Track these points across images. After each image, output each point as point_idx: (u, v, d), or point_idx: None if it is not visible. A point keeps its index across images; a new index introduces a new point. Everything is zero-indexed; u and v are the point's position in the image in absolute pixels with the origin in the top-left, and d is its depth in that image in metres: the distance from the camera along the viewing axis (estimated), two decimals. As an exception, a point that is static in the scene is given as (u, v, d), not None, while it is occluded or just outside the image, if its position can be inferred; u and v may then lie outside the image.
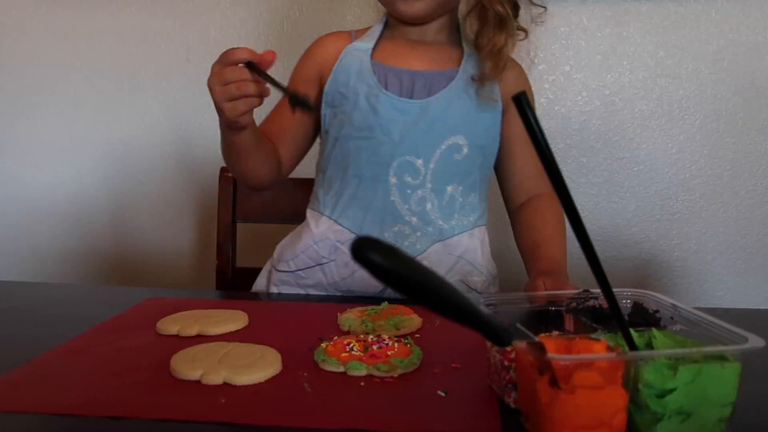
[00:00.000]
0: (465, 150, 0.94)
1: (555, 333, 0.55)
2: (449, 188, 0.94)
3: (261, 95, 0.78)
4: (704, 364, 0.47)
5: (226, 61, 0.77)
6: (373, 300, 0.83)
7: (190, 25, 1.45)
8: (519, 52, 1.13)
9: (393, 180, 0.93)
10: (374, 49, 0.97)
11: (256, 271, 1.07)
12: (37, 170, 1.55)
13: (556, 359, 0.46)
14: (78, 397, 0.56)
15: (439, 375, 0.61)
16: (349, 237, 0.94)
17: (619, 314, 0.49)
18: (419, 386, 0.58)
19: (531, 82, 1.40)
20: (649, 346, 0.52)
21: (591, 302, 0.60)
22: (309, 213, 1.00)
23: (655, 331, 0.53)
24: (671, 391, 0.46)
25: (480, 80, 0.94)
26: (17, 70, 1.53)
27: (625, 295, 0.62)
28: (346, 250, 0.94)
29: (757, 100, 1.32)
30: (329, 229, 0.96)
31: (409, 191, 0.93)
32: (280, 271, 0.98)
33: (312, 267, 0.96)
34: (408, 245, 0.93)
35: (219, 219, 1.18)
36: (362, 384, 0.58)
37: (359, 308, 0.79)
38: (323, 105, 0.98)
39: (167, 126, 1.50)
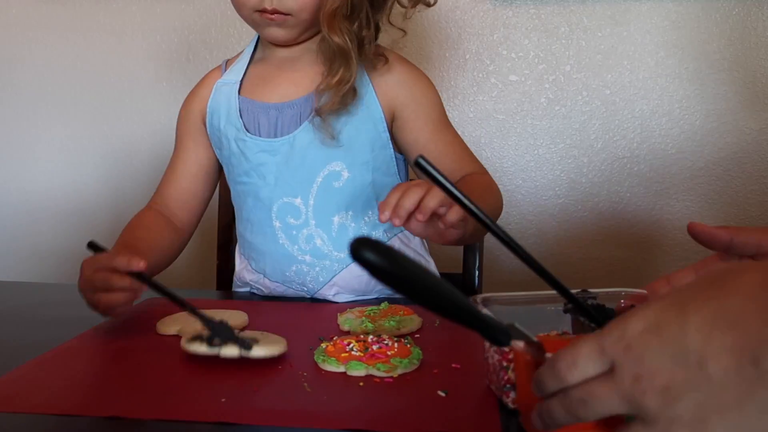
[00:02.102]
0: (345, 174, 0.88)
1: (554, 333, 0.55)
2: (335, 219, 0.89)
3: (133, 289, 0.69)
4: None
5: (96, 266, 0.70)
6: (373, 300, 0.82)
7: (190, 25, 1.45)
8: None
9: (277, 224, 0.90)
10: (243, 79, 0.93)
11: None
12: (37, 170, 1.55)
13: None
14: (78, 397, 0.56)
15: (439, 375, 0.61)
16: (260, 278, 0.94)
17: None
18: (419, 386, 0.58)
19: (531, 81, 1.40)
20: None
21: (589, 302, 0.60)
22: (237, 249, 1.00)
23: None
24: (670, 391, 0.46)
25: (318, 113, 0.85)
26: (17, 69, 1.53)
27: (625, 295, 0.62)
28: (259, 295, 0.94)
29: (757, 100, 1.31)
30: (244, 269, 0.96)
31: (294, 232, 0.89)
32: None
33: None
34: (311, 279, 0.90)
35: (219, 219, 1.18)
36: (362, 384, 0.59)
37: (359, 308, 0.79)
38: (212, 146, 0.96)
39: (167, 126, 1.49)
